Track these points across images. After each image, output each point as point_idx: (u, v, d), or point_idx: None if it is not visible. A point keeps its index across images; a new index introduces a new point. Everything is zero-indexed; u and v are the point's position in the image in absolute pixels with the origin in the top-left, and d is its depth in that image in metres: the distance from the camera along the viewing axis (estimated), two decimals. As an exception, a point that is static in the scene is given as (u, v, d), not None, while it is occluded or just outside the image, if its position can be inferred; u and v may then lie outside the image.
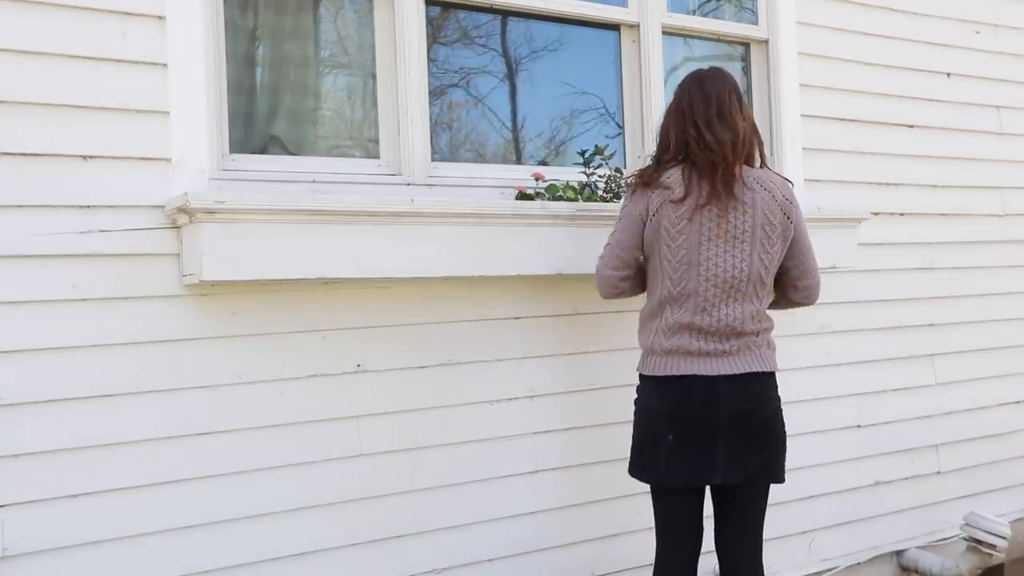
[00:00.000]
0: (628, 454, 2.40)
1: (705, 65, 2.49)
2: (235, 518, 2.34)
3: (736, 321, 2.29)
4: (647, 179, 2.30)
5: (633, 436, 2.40)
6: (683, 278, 2.27)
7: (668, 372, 2.30)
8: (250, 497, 2.36)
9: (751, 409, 2.31)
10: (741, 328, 2.30)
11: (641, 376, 2.40)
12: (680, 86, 2.38)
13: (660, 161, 2.33)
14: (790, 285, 2.45)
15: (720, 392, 2.27)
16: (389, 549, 2.54)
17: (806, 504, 3.29)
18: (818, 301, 2.54)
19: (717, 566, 2.47)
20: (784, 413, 2.38)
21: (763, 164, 2.38)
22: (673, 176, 2.27)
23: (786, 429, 2.40)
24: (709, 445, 2.27)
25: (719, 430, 2.27)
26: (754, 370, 2.32)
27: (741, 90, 2.38)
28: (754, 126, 2.35)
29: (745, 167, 2.30)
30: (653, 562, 2.42)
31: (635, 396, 2.43)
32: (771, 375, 2.37)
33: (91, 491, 2.19)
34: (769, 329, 2.38)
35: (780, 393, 2.40)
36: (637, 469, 2.38)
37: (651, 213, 2.28)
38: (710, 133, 2.25)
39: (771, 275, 2.35)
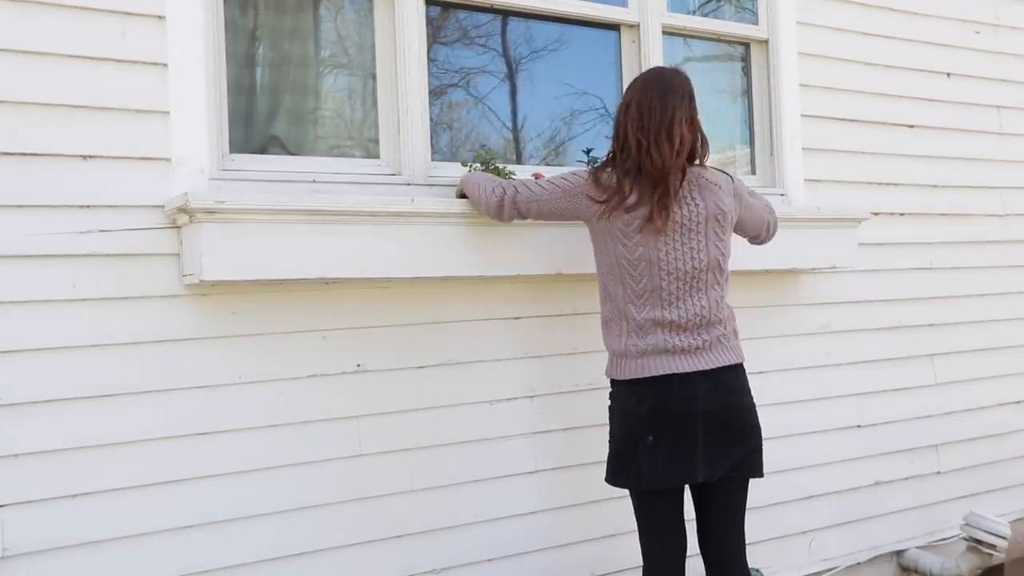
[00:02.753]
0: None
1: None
2: (235, 518, 2.35)
3: (704, 310, 2.32)
4: (615, 203, 2.28)
5: (610, 443, 2.39)
6: (643, 274, 2.29)
7: (644, 374, 2.29)
8: (250, 497, 2.36)
9: (728, 403, 2.33)
10: (710, 317, 2.33)
11: (613, 381, 2.39)
12: (643, 86, 2.34)
13: (622, 168, 2.30)
14: (748, 239, 2.65)
15: (697, 389, 2.29)
16: (389, 549, 2.54)
17: (806, 504, 3.29)
18: (776, 237, 2.71)
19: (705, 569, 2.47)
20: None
21: (702, 164, 2.40)
22: (627, 183, 2.29)
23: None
24: (689, 443, 2.27)
25: (698, 427, 2.28)
26: (728, 363, 2.34)
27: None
28: (700, 132, 2.37)
29: (692, 167, 2.35)
30: (642, 569, 2.40)
31: (608, 402, 2.42)
32: (742, 366, 2.40)
33: (91, 491, 2.19)
34: (734, 318, 2.42)
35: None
36: (615, 475, 2.36)
37: (601, 216, 2.31)
38: (656, 150, 2.26)
39: (728, 260, 2.40)
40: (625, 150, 2.31)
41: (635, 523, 2.41)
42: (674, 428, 2.27)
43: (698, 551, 2.44)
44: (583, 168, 2.48)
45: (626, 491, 2.42)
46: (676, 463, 2.27)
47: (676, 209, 2.28)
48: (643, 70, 3.04)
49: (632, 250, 2.29)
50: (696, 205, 2.32)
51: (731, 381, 2.35)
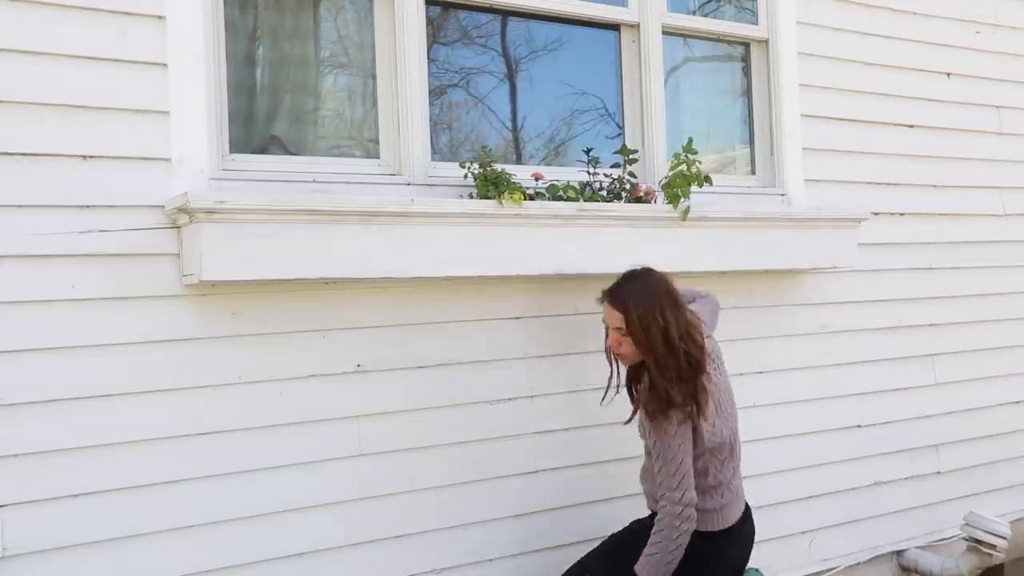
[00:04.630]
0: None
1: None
2: (235, 518, 2.35)
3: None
4: (693, 419, 2.28)
5: None
6: (719, 432, 2.35)
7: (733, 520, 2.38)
8: (250, 497, 2.36)
9: None
10: None
11: (707, 534, 2.32)
12: (654, 304, 2.29)
13: (671, 379, 2.27)
14: None
15: None
16: (389, 549, 2.54)
17: (806, 504, 3.30)
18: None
19: None
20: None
21: None
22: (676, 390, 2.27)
23: None
24: None
25: None
26: None
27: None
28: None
29: None
30: None
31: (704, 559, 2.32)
32: None
33: (91, 491, 2.19)
34: None
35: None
36: None
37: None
38: (699, 349, 2.29)
39: None
40: (679, 373, 2.26)
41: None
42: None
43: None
44: (668, 422, 2.28)
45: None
46: None
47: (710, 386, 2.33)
48: (643, 70, 3.06)
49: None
50: (720, 374, 2.42)
51: None
